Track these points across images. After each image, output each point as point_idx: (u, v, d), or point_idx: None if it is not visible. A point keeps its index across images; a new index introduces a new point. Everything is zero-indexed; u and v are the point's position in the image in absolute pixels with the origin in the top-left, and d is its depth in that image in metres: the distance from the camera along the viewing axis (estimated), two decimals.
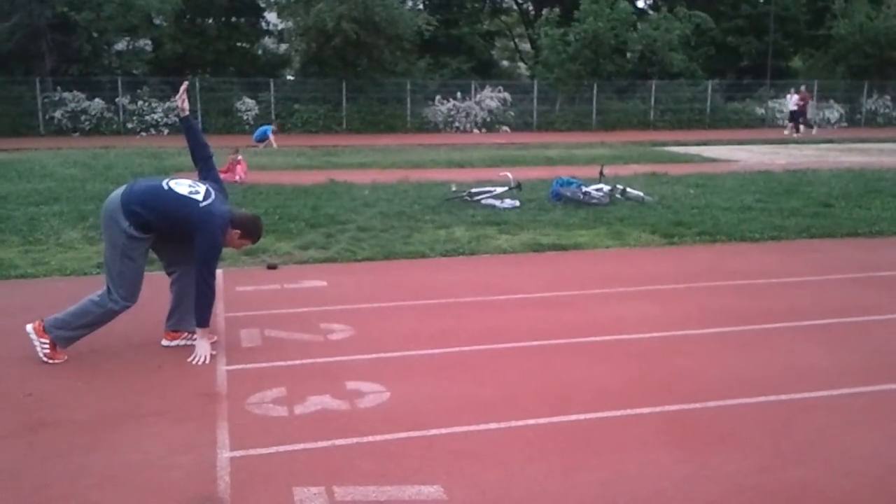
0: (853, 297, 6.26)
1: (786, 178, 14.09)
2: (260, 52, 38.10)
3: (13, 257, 7.51)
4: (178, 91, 5.23)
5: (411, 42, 31.60)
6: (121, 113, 28.81)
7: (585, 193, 10.75)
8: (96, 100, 28.46)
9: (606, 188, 11.02)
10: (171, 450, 3.55)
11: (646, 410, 3.99)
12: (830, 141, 25.73)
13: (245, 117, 29.82)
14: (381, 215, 9.80)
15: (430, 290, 6.47)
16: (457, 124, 31.22)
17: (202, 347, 4.74)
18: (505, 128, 31.35)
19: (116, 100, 28.77)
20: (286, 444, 3.60)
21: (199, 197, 4.71)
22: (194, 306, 4.71)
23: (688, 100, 33.70)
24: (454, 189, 11.46)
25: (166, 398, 4.16)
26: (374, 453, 3.52)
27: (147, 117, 28.81)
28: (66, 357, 4.71)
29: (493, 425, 3.81)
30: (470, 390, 4.27)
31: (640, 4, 41.44)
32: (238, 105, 30.04)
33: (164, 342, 5.01)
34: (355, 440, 3.64)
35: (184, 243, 4.76)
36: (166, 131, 28.21)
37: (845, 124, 34.60)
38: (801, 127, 28.73)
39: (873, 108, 35.69)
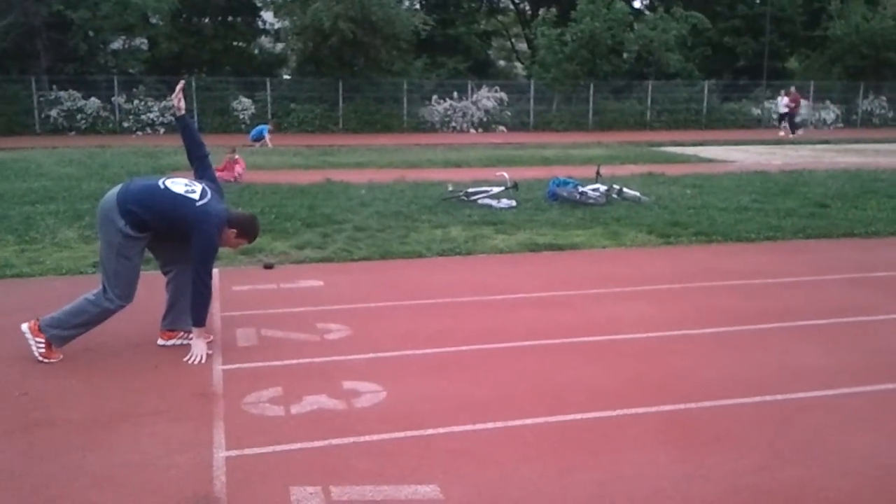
0: (849, 298, 6.27)
1: (782, 178, 14.11)
2: (256, 51, 38.09)
3: (9, 256, 7.49)
4: (174, 90, 5.23)
5: (408, 42, 31.59)
6: (117, 112, 28.77)
7: (582, 193, 10.76)
8: (92, 99, 28.43)
9: (603, 188, 11.03)
10: (168, 449, 3.55)
11: (642, 410, 3.99)
12: (826, 141, 25.78)
13: (241, 117, 29.80)
14: (377, 215, 9.80)
15: (427, 289, 6.47)
16: (453, 124, 31.23)
17: (198, 347, 4.74)
18: (501, 128, 31.36)
19: (112, 99, 28.73)
20: (283, 444, 3.59)
21: (196, 196, 4.70)
22: (191, 306, 4.71)
23: (684, 100, 33.74)
24: (451, 189, 11.46)
25: (163, 398, 4.15)
26: (370, 453, 3.51)
27: (143, 116, 28.77)
28: (61, 356, 4.70)
29: (489, 425, 3.81)
30: (466, 390, 4.27)
31: (637, 5, 41.47)
32: (234, 104, 30.02)
33: (161, 341, 5.00)
34: (352, 440, 3.64)
35: (180, 242, 4.76)
36: (162, 130, 28.16)
37: (841, 125, 34.69)
38: (784, 126, 28.72)
39: (869, 108, 35.77)
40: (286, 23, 32.02)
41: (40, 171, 14.85)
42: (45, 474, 3.33)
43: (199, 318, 4.73)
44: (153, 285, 5.33)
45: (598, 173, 11.97)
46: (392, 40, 30.51)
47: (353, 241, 8.26)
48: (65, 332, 4.70)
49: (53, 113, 28.14)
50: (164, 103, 28.04)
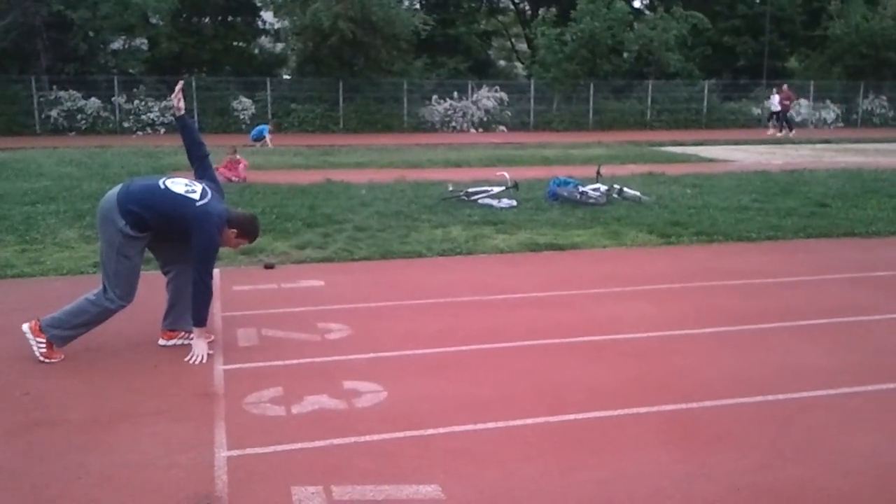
0: (850, 297, 6.27)
1: (782, 178, 14.12)
2: (256, 51, 38.09)
3: (9, 256, 7.49)
4: (174, 90, 5.23)
5: (408, 41, 31.58)
6: (117, 112, 28.76)
7: (582, 193, 10.75)
8: (92, 99, 28.42)
9: (603, 188, 11.03)
10: (169, 449, 3.55)
11: (643, 410, 3.99)
12: (827, 141, 25.78)
13: (242, 117, 29.80)
14: (378, 215, 9.80)
15: (428, 289, 6.47)
16: (454, 124, 31.22)
17: (199, 347, 4.74)
18: (502, 127, 31.35)
19: (112, 99, 28.73)
20: (284, 444, 3.59)
21: (196, 196, 4.70)
22: (192, 305, 4.71)
23: (684, 100, 33.74)
24: (451, 189, 11.46)
25: (164, 398, 4.15)
26: (371, 452, 3.51)
27: (143, 116, 28.77)
28: (62, 356, 4.70)
29: (490, 424, 3.81)
30: (467, 390, 4.27)
31: (637, 4, 41.47)
32: (234, 104, 30.02)
33: (161, 341, 5.00)
34: (353, 439, 3.64)
35: (180, 242, 4.76)
36: (162, 130, 28.15)
37: (841, 124, 34.69)
38: (771, 125, 28.68)
39: (869, 108, 35.76)
40: (286, 23, 32.01)
41: (41, 171, 14.85)
42: (45, 474, 3.33)
43: (199, 318, 4.73)
44: (154, 285, 5.33)
45: (598, 173, 11.96)
46: (392, 40, 30.50)
47: (353, 241, 8.26)
48: (65, 332, 4.70)
49: (54, 113, 28.14)
50: (164, 103, 28.02)
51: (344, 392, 4.21)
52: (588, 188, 10.95)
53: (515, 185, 11.24)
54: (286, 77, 35.59)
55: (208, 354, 4.74)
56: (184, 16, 34.18)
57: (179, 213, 4.66)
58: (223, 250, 5.88)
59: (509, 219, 9.53)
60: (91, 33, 29.09)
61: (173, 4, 30.59)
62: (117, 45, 31.68)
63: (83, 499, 3.14)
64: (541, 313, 5.78)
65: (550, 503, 3.11)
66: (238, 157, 13.77)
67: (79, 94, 28.31)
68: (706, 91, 34.05)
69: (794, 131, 28.38)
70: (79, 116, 28.33)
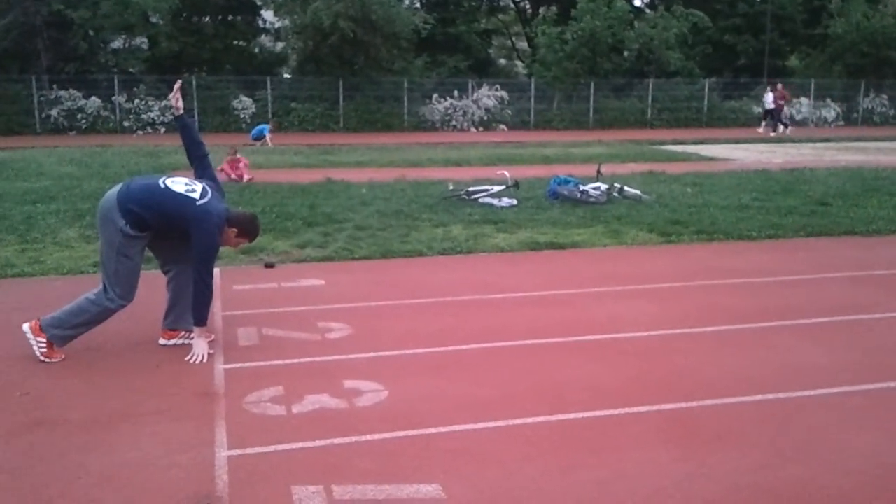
0: (850, 296, 6.27)
1: (783, 176, 14.11)
2: (257, 50, 38.07)
3: (10, 256, 7.49)
4: (173, 90, 5.23)
5: (408, 40, 31.57)
6: (117, 111, 28.77)
7: (583, 192, 10.75)
8: (92, 98, 28.43)
9: (604, 187, 11.03)
10: (170, 449, 3.55)
11: (643, 409, 3.99)
12: (827, 140, 25.78)
13: (242, 116, 29.80)
14: (378, 214, 9.80)
15: (428, 288, 6.47)
16: (454, 123, 31.22)
17: (200, 346, 4.74)
18: (502, 126, 31.35)
19: (113, 98, 28.73)
20: (284, 443, 3.59)
21: (196, 195, 4.70)
22: (192, 305, 4.71)
23: (685, 98, 33.73)
24: (451, 188, 11.46)
25: (164, 397, 4.15)
26: (372, 452, 3.51)
27: (143, 116, 28.77)
28: (63, 356, 4.70)
29: (491, 424, 3.81)
30: (468, 389, 4.27)
31: (637, 3, 41.45)
32: (235, 103, 30.02)
33: (162, 341, 5.00)
34: (353, 439, 3.64)
35: (180, 242, 4.76)
36: (163, 129, 28.15)
37: (842, 123, 34.68)
38: (764, 124, 28.61)
39: (870, 106, 35.75)
40: (286, 22, 32.00)
41: (41, 170, 14.86)
42: (46, 474, 3.33)
43: (200, 317, 4.73)
44: (154, 285, 5.33)
45: (598, 172, 11.96)
46: (392, 39, 30.49)
47: (354, 240, 8.26)
48: (66, 331, 4.71)
49: (54, 112, 28.15)
50: (164, 102, 27.98)
51: (344, 391, 4.21)
52: (588, 187, 10.95)
53: (516, 184, 11.24)
54: (286, 76, 35.60)
55: (209, 354, 4.74)
56: (184, 15, 34.17)
57: (180, 213, 4.65)
58: (223, 249, 5.88)
59: (510, 218, 9.53)
60: (91, 32, 29.11)
61: (173, 3, 30.59)
62: (117, 44, 31.69)
63: (83, 498, 3.14)
64: (541, 312, 5.78)
65: (551, 502, 3.11)
66: (238, 156, 13.76)
67: (79, 94, 28.32)
68: (707, 90, 34.04)
69: (789, 129, 28.33)
70: (79, 116, 28.34)
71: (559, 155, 19.22)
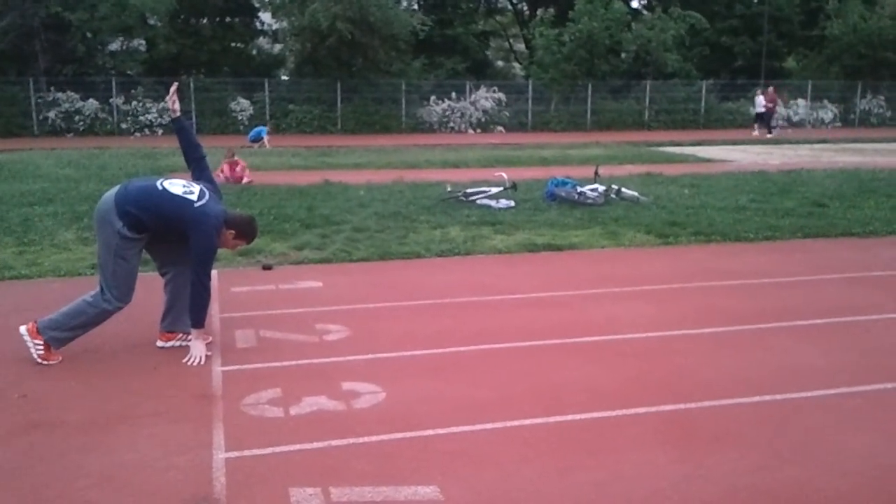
0: (847, 297, 6.28)
1: (780, 178, 14.13)
2: (254, 52, 38.07)
3: (7, 258, 7.48)
4: (170, 92, 5.22)
5: (406, 42, 31.59)
6: (115, 113, 28.75)
7: (580, 194, 10.76)
8: (90, 100, 28.42)
9: (601, 188, 11.04)
10: (167, 451, 3.55)
11: (641, 410, 4.00)
12: (824, 141, 25.80)
13: (240, 118, 29.80)
14: (376, 216, 9.80)
15: (426, 290, 6.47)
16: (452, 125, 31.24)
17: (197, 348, 4.74)
18: (500, 128, 31.37)
19: (110, 100, 28.72)
20: (282, 445, 3.59)
21: (194, 197, 4.70)
22: (190, 307, 4.71)
23: (682, 100, 33.77)
24: (449, 189, 11.46)
25: (162, 399, 4.15)
26: (370, 454, 3.51)
27: (141, 118, 28.77)
28: (60, 358, 4.70)
29: (488, 426, 3.81)
30: (465, 391, 4.27)
31: (635, 4, 41.53)
32: (233, 105, 30.02)
33: (159, 343, 5.00)
34: (351, 441, 3.64)
35: (178, 244, 4.76)
36: (160, 132, 28.14)
37: (839, 124, 34.72)
38: (757, 127, 28.60)
39: (867, 108, 35.82)
40: (284, 24, 32.00)
41: (38, 172, 14.84)
42: (44, 475, 3.33)
43: (198, 319, 4.73)
44: (151, 287, 5.33)
45: (596, 173, 11.97)
46: (390, 41, 30.51)
47: (351, 242, 8.26)
48: (63, 333, 4.70)
49: (51, 114, 28.13)
50: (162, 104, 28.00)
51: (342, 393, 4.21)
52: (586, 188, 10.96)
53: (514, 186, 11.25)
54: (284, 78, 35.57)
55: (206, 356, 4.74)
56: (182, 17, 34.17)
57: (177, 215, 4.65)
58: (221, 251, 5.88)
59: (507, 219, 9.54)
60: (89, 34, 29.08)
61: (171, 5, 30.58)
62: (115, 46, 31.64)
63: (81, 500, 3.14)
64: (539, 314, 5.78)
65: None
66: (236, 158, 13.76)
67: (77, 96, 28.31)
68: (704, 91, 34.08)
69: (776, 132, 28.28)
70: (77, 118, 28.33)
71: (557, 156, 19.23)
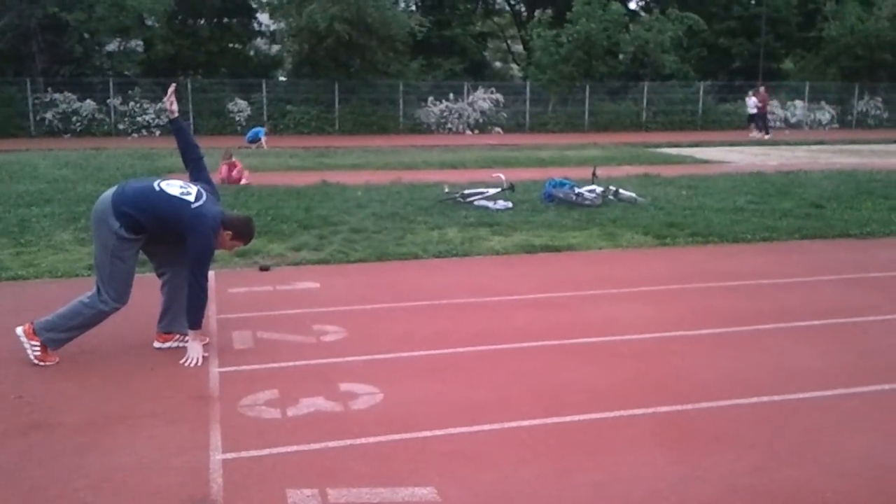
0: (845, 298, 6.28)
1: (778, 179, 14.14)
2: (252, 53, 38.02)
3: (4, 259, 7.47)
4: (168, 92, 5.22)
5: (404, 43, 31.57)
6: (112, 114, 28.71)
7: (578, 195, 10.76)
8: (87, 101, 28.38)
9: (599, 189, 11.04)
10: (165, 452, 3.54)
11: (639, 411, 3.99)
12: (822, 142, 25.83)
13: (237, 118, 29.76)
14: (373, 217, 9.79)
15: (423, 291, 6.47)
16: (449, 125, 31.23)
17: (194, 349, 4.73)
18: (497, 129, 31.37)
19: (108, 101, 28.68)
20: (279, 447, 3.59)
21: (191, 198, 4.70)
22: (187, 308, 4.70)
23: (680, 101, 33.78)
24: (447, 190, 11.46)
25: (159, 400, 4.14)
26: (367, 455, 3.51)
27: (139, 118, 28.73)
28: (57, 359, 4.69)
29: (486, 427, 3.80)
30: (463, 392, 4.26)
31: (633, 6, 41.53)
32: (230, 106, 29.98)
33: (156, 344, 4.99)
34: (349, 442, 3.63)
35: (175, 245, 4.76)
36: (158, 132, 28.10)
37: (836, 126, 34.75)
38: (755, 128, 28.58)
39: (864, 109, 35.85)
40: (282, 24, 31.98)
41: (35, 173, 14.82)
42: (42, 477, 3.32)
43: (195, 320, 4.72)
44: (148, 287, 5.32)
45: (594, 174, 11.98)
46: (388, 42, 30.49)
47: (349, 243, 8.26)
48: (60, 334, 4.69)
49: (49, 115, 28.08)
50: (159, 105, 27.97)
51: (340, 394, 4.21)
52: (584, 189, 10.96)
53: (511, 187, 11.25)
54: (282, 79, 35.55)
55: (203, 357, 4.73)
56: (179, 17, 34.12)
57: (174, 216, 4.65)
58: (218, 252, 5.86)
59: (505, 220, 9.53)
60: (86, 35, 29.05)
61: (168, 6, 30.55)
62: (112, 46, 31.61)
63: (79, 501, 3.13)
64: (537, 315, 5.78)
65: None
66: (234, 160, 13.74)
67: (74, 97, 28.26)
68: (701, 92, 34.10)
69: (761, 133, 28.23)
70: (74, 119, 28.28)
71: (554, 158, 19.23)
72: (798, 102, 35.02)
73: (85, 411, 4.00)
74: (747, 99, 29.59)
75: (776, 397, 4.18)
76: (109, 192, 4.76)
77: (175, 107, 5.14)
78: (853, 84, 35.42)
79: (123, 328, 5.16)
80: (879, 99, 35.76)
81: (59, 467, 3.41)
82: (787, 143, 25.34)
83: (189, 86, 29.04)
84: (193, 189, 4.78)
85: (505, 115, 31.97)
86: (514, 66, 49.46)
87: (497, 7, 47.74)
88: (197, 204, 4.68)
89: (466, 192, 11.16)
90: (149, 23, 32.84)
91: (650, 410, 4.01)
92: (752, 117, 29.13)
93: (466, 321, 5.62)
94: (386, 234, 8.78)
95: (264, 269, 7.23)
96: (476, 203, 10.69)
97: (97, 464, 3.43)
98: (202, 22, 35.27)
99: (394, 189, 12.53)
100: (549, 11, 34.21)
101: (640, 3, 42.86)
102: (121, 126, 28.57)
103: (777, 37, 38.91)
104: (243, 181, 13.29)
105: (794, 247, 8.41)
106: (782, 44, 39.95)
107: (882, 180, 13.96)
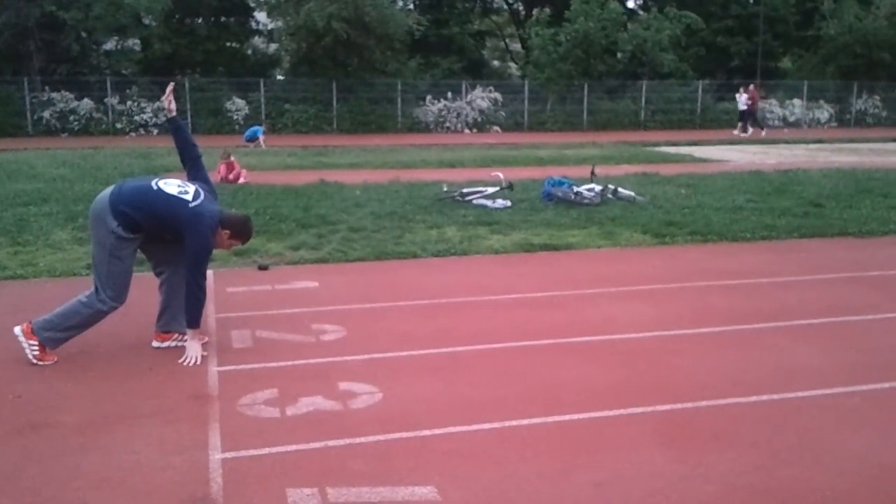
0: (844, 297, 6.28)
1: (776, 177, 14.14)
2: (250, 51, 37.98)
3: (2, 258, 7.45)
4: (165, 91, 5.21)
5: (402, 42, 31.54)
6: (110, 113, 28.66)
7: (577, 193, 10.76)
8: (85, 100, 28.31)
9: (598, 188, 11.03)
10: (164, 451, 3.53)
11: (639, 410, 3.99)
12: (821, 141, 25.84)
13: (235, 117, 29.71)
14: (372, 215, 9.78)
15: (422, 290, 6.46)
16: (448, 124, 31.20)
17: (193, 349, 4.72)
18: (496, 128, 31.36)
19: (105, 100, 28.61)
20: (278, 446, 3.58)
21: (189, 197, 4.69)
22: (185, 307, 4.69)
23: (678, 100, 33.77)
24: (445, 189, 11.45)
25: (158, 400, 4.13)
26: (367, 454, 3.50)
27: (136, 117, 28.67)
28: (55, 359, 4.68)
29: (486, 426, 3.80)
30: (463, 391, 4.26)
31: (631, 5, 41.53)
32: (228, 105, 29.92)
33: (155, 343, 4.98)
34: (348, 441, 3.63)
35: (173, 244, 4.75)
36: (155, 131, 28.05)
37: (835, 124, 34.77)
38: (749, 128, 28.56)
39: (863, 108, 35.87)
40: (279, 23, 31.98)
41: (33, 172, 14.79)
42: (41, 476, 3.31)
43: (193, 319, 4.71)
44: (146, 287, 5.31)
45: (592, 173, 11.97)
46: (386, 40, 30.47)
47: (347, 242, 8.25)
48: (58, 334, 4.68)
49: (46, 114, 28.01)
50: (157, 104, 27.91)
51: (339, 393, 4.20)
52: (582, 188, 10.95)
53: (510, 186, 11.24)
54: (280, 78, 35.51)
55: (202, 356, 4.72)
56: (176, 16, 34.06)
57: (172, 215, 4.64)
58: (217, 251, 5.85)
59: (504, 219, 9.53)
60: (84, 34, 28.99)
61: (166, 5, 30.48)
62: (110, 45, 31.55)
63: (78, 501, 3.12)
64: (536, 314, 5.77)
65: None
66: (232, 159, 13.72)
67: (71, 96, 28.20)
68: (700, 91, 34.08)
69: (750, 132, 28.22)
70: (71, 118, 28.22)
71: (553, 156, 19.23)
72: (796, 101, 35.03)
73: (84, 411, 3.99)
74: (738, 96, 29.57)
75: (775, 396, 4.18)
76: (107, 191, 4.75)
77: (173, 106, 5.13)
78: (851, 83, 35.43)
79: (122, 327, 5.15)
80: (878, 97, 35.78)
81: (58, 467, 3.40)
82: (786, 142, 25.34)
83: (187, 85, 28.99)
84: (191, 188, 4.77)
85: (503, 113, 31.95)
86: (512, 64, 49.43)
87: (495, 6, 47.71)
88: (195, 203, 4.67)
89: (465, 190, 11.15)
90: (146, 21, 32.76)
91: (650, 409, 4.00)
92: (742, 114, 29.10)
93: (465, 320, 5.62)
94: (384, 233, 8.77)
95: (263, 268, 7.22)
96: (475, 202, 10.69)
97: (96, 463, 3.43)
98: (200, 21, 35.21)
99: (392, 188, 12.52)
100: (548, 10, 34.20)
101: (639, 2, 42.89)
102: (118, 125, 28.52)
103: (775, 35, 38.92)
104: (241, 180, 13.29)
105: (793, 245, 8.42)
106: (780, 42, 39.97)
107: (881, 179, 13.98)
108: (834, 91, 35.59)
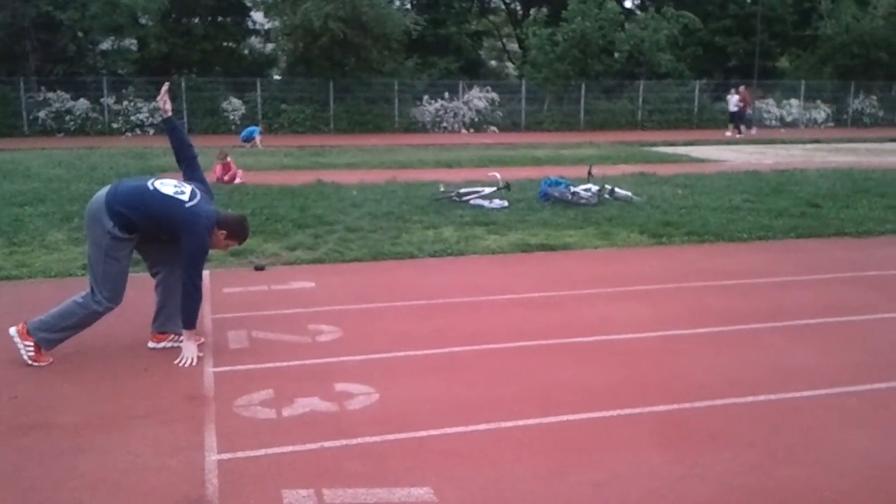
0: (841, 297, 6.28)
1: (773, 177, 14.15)
2: (246, 51, 37.92)
3: None
4: (161, 91, 5.19)
5: (399, 42, 31.53)
6: (106, 113, 28.62)
7: (574, 194, 10.75)
8: (81, 100, 28.27)
9: (595, 188, 11.03)
10: (159, 452, 3.52)
11: (636, 411, 3.98)
12: (818, 141, 25.88)
13: (231, 117, 29.68)
14: (369, 216, 9.77)
15: (419, 290, 6.45)
16: (445, 124, 31.20)
17: (189, 349, 4.71)
18: (493, 128, 31.35)
19: (101, 100, 28.57)
20: (274, 447, 3.57)
21: (185, 197, 4.67)
22: (181, 308, 4.68)
23: (675, 100, 33.79)
24: (442, 189, 11.44)
25: (153, 401, 4.12)
26: (363, 455, 3.49)
27: (132, 117, 28.63)
28: (51, 359, 4.66)
29: (482, 426, 3.79)
30: (459, 391, 4.25)
31: (628, 4, 41.52)
32: (224, 105, 29.90)
33: (151, 344, 4.97)
34: (344, 442, 3.62)
35: (169, 244, 4.74)
36: (152, 131, 28.01)
37: (832, 124, 34.82)
38: (742, 128, 28.56)
39: (860, 108, 35.91)
40: (276, 23, 31.91)
41: (29, 172, 14.76)
42: (36, 478, 3.30)
43: (189, 320, 4.70)
44: (142, 287, 5.30)
45: (589, 173, 11.97)
46: (383, 40, 30.45)
47: (344, 242, 8.24)
48: (53, 335, 4.67)
49: (42, 114, 27.97)
50: (153, 104, 27.77)
51: (335, 394, 4.19)
52: (579, 188, 10.95)
53: (507, 186, 11.23)
54: (276, 77, 35.48)
55: (198, 357, 4.71)
56: (173, 16, 33.99)
57: (168, 215, 4.63)
58: (213, 252, 5.83)
59: (501, 219, 9.52)
60: (80, 34, 28.94)
61: (162, 5, 30.41)
62: (106, 45, 31.49)
63: (74, 502, 3.11)
64: (532, 314, 5.77)
65: None
66: (229, 159, 13.69)
67: (67, 95, 28.15)
68: (697, 91, 34.12)
69: (741, 133, 28.15)
70: (67, 118, 28.18)
71: (550, 156, 19.23)
72: (794, 101, 35.08)
73: (79, 412, 3.98)
74: (729, 97, 29.56)
75: (773, 396, 4.18)
76: (103, 191, 4.74)
77: (169, 106, 5.12)
78: (849, 82, 35.47)
79: (118, 328, 5.14)
80: (875, 97, 35.83)
81: (54, 468, 3.39)
82: (783, 142, 25.38)
83: (183, 85, 28.97)
84: (187, 188, 4.75)
85: (500, 113, 31.95)
86: (509, 64, 49.43)
87: (492, 5, 47.69)
88: (191, 203, 4.66)
89: (462, 191, 11.14)
90: (142, 21, 32.72)
91: (647, 409, 4.00)
92: (733, 115, 29.10)
93: (462, 320, 5.61)
94: (381, 233, 8.76)
95: (259, 268, 7.20)
96: (472, 202, 10.68)
97: (92, 464, 3.41)
98: (196, 20, 35.16)
99: (389, 188, 12.51)
100: (545, 10, 34.20)
101: (636, 2, 42.88)
102: (114, 125, 28.48)
103: (772, 35, 38.94)
104: (238, 180, 13.27)
105: (789, 245, 8.42)
106: (778, 42, 39.99)
107: (878, 179, 13.99)
108: (831, 91, 35.63)
